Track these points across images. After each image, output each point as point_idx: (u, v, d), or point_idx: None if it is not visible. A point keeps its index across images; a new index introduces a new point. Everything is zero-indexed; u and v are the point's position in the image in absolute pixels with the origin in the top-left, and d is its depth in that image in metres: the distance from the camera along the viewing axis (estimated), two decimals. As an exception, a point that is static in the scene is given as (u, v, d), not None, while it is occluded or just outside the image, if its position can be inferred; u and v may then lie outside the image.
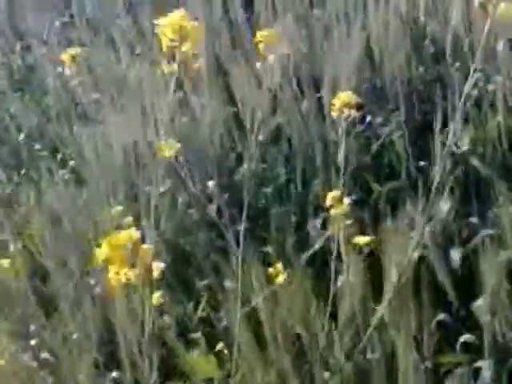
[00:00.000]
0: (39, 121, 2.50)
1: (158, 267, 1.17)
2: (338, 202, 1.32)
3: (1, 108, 2.52)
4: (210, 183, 1.84)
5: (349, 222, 1.34)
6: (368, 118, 2.10)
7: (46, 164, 2.29)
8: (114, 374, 1.59)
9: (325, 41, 2.24)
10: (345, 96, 1.37)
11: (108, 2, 2.80)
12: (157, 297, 1.28)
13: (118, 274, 1.03)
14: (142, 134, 1.90)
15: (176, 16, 1.08)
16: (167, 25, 1.08)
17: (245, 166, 2.00)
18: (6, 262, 1.69)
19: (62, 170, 2.25)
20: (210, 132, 1.99)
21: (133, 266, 1.04)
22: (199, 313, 1.68)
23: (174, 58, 1.18)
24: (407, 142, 2.01)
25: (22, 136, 2.47)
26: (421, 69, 2.18)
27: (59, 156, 2.35)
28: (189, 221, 1.91)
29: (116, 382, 1.58)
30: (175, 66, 1.20)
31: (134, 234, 1.04)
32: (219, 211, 1.89)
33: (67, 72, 2.03)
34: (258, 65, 1.46)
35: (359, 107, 2.13)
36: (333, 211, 1.32)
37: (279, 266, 1.33)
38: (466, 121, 1.97)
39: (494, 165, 1.82)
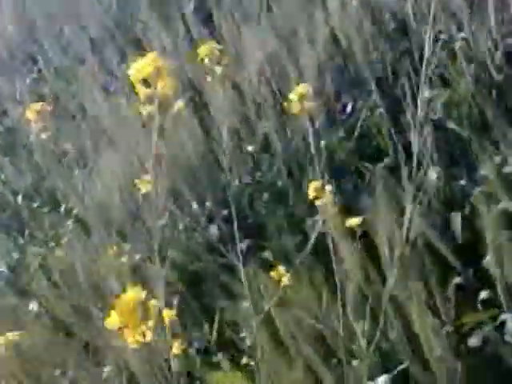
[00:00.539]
0: (33, 179, 2.54)
1: (168, 315, 1.16)
2: (320, 191, 1.32)
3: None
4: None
5: (335, 208, 1.34)
6: (349, 107, 2.13)
7: (49, 220, 2.33)
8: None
9: (290, 39, 2.26)
10: (301, 89, 1.36)
11: (73, 49, 2.84)
12: (177, 345, 1.29)
13: (133, 335, 1.03)
14: (131, 173, 1.93)
15: (147, 60, 1.07)
16: (139, 70, 1.07)
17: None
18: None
19: (67, 222, 2.28)
20: (194, 154, 2.02)
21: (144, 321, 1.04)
22: (215, 332, 1.70)
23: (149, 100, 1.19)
24: (386, 119, 2.03)
25: (19, 198, 2.50)
26: (386, 45, 2.20)
27: (62, 209, 2.38)
28: (193, 245, 1.93)
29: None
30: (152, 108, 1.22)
31: (140, 293, 1.04)
32: (219, 229, 1.93)
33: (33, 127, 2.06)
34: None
35: (336, 97, 2.17)
36: (318, 202, 1.33)
37: (280, 268, 1.34)
38: (441, 84, 1.99)
39: (471, 125, 1.83)
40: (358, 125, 2.11)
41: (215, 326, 1.73)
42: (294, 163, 2.06)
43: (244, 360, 1.53)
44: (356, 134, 2.09)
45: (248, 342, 1.70)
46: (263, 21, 2.43)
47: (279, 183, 2.07)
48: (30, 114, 1.82)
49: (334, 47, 2.25)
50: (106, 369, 1.70)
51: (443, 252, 1.54)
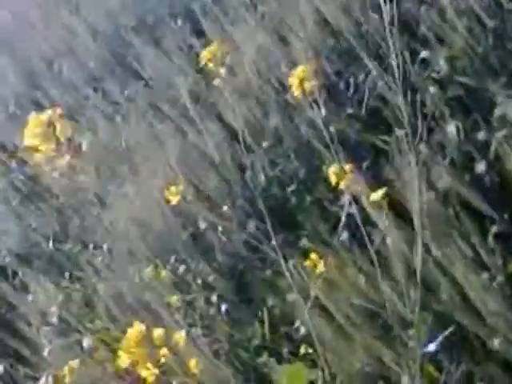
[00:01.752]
0: (59, 222, 2.57)
1: (181, 338, 1.15)
2: (340, 174, 1.33)
3: (21, 225, 2.58)
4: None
5: (360, 186, 1.35)
6: (351, 82, 2.13)
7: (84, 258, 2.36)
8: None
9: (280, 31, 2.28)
10: (299, 72, 1.36)
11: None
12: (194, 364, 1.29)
13: (147, 369, 1.03)
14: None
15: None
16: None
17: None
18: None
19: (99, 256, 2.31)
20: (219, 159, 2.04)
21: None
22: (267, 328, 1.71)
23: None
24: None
25: (50, 243, 2.53)
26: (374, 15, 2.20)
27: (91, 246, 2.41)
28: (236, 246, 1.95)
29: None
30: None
31: (140, 326, 1.04)
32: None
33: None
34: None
35: (337, 73, 2.17)
36: (342, 185, 1.33)
37: (314, 256, 1.35)
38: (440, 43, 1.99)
39: (477, 73, 1.83)
40: (365, 99, 2.11)
41: (266, 323, 1.75)
42: (309, 151, 2.07)
43: (302, 350, 1.54)
44: (364, 109, 2.10)
45: (302, 331, 1.71)
46: (250, 20, 2.45)
47: (301, 173, 2.09)
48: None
49: (323, 29, 2.25)
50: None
51: (475, 203, 1.54)
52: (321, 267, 1.33)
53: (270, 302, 1.79)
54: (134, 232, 2.10)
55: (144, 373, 1.00)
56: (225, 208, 1.96)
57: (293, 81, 1.37)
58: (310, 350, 1.56)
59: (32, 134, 1.07)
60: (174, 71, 2.42)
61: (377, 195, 1.33)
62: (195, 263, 2.02)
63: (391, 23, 1.41)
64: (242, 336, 1.75)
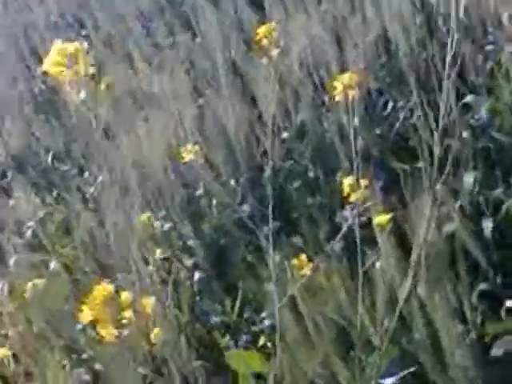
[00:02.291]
0: (65, 141, 2.55)
1: (148, 304, 1.14)
2: (355, 187, 1.32)
3: (27, 131, 2.57)
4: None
5: (369, 204, 1.34)
6: (390, 104, 2.12)
7: (76, 183, 2.35)
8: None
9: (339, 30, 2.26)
10: (345, 78, 1.36)
11: (121, 19, 2.84)
12: (156, 333, 1.28)
13: (107, 330, 1.03)
14: (169, 141, 1.94)
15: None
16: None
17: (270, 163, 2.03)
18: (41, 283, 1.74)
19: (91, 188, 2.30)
20: (234, 133, 2.02)
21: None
22: (236, 309, 1.71)
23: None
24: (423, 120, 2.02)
25: (49, 157, 2.52)
26: (435, 48, 2.19)
27: (86, 174, 2.40)
28: (225, 220, 1.94)
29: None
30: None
31: (108, 287, 1.03)
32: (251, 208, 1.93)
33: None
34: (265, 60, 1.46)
35: (380, 93, 2.16)
36: (353, 197, 1.33)
37: (303, 257, 1.34)
38: (486, 92, 1.98)
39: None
40: (397, 125, 2.11)
41: (237, 304, 1.74)
42: (328, 155, 2.06)
43: (262, 341, 1.54)
44: (393, 133, 2.09)
45: (266, 323, 1.71)
46: (312, 12, 2.43)
47: (310, 173, 2.08)
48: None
49: (382, 43, 2.24)
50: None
51: (475, 254, 1.53)
52: (307, 270, 1.32)
53: (246, 284, 1.78)
54: (132, 174, 2.07)
55: (103, 332, 0.99)
56: (230, 182, 1.95)
57: (337, 84, 1.36)
58: (269, 344, 1.55)
59: (52, 62, 1.05)
60: (224, 35, 2.40)
61: (383, 218, 1.33)
62: (182, 226, 2.00)
63: (452, 65, 1.41)
64: (207, 311, 1.75)
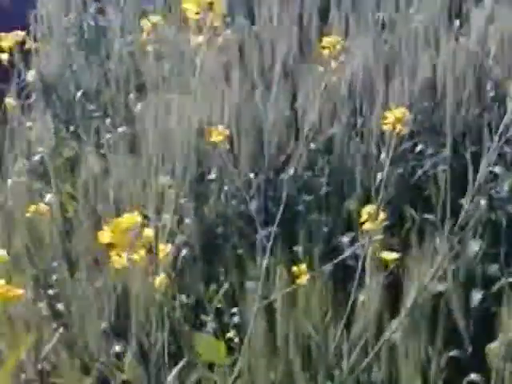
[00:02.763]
0: (98, 83, 2.55)
1: (164, 250, 1.17)
2: (373, 217, 1.33)
3: (64, 63, 2.56)
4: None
5: (380, 237, 1.35)
6: (419, 148, 2.13)
7: (97, 124, 2.35)
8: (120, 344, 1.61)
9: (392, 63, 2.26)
10: (398, 112, 1.38)
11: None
12: (160, 279, 1.30)
13: (120, 256, 1.04)
14: (203, 115, 1.93)
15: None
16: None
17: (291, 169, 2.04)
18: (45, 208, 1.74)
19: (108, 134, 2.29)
20: (268, 129, 2.03)
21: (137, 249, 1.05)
22: (216, 301, 1.71)
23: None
24: (449, 178, 2.03)
25: (78, 94, 2.51)
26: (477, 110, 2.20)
27: (109, 120, 2.40)
28: (229, 211, 1.94)
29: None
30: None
31: (137, 218, 1.05)
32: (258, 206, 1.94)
33: (143, 36, 2.11)
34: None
35: (411, 135, 2.17)
36: (367, 225, 1.34)
37: (303, 266, 1.35)
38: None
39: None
40: (419, 172, 2.12)
41: (212, 290, 1.75)
42: (346, 177, 2.07)
43: (231, 334, 1.54)
44: (413, 179, 2.10)
45: (235, 320, 1.71)
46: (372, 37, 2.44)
47: (323, 190, 2.08)
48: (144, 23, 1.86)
49: (429, 87, 2.24)
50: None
51: (456, 320, 1.54)
52: (304, 279, 1.33)
53: (230, 275, 1.79)
54: (154, 136, 2.06)
55: (117, 257, 1.00)
56: (247, 174, 1.95)
57: (390, 116, 1.38)
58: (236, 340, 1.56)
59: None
60: (284, 31, 2.40)
61: (390, 255, 1.34)
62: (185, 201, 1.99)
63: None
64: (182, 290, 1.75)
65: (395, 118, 1.38)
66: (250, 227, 1.90)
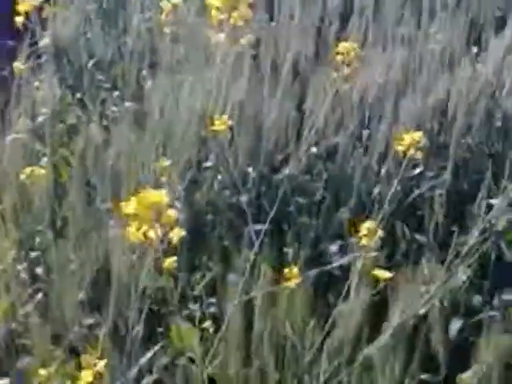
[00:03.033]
0: (112, 54, 2.53)
1: (178, 234, 1.18)
2: (371, 232, 1.33)
3: (80, 30, 2.54)
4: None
5: (374, 254, 1.35)
6: (419, 169, 2.12)
7: (103, 96, 2.33)
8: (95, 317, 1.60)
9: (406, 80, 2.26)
10: (415, 136, 1.38)
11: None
12: (170, 261, 1.30)
13: (138, 230, 1.05)
14: (210, 103, 1.92)
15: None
16: None
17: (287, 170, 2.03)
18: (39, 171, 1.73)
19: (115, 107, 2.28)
20: (268, 126, 2.02)
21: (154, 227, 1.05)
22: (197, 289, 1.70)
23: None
24: (444, 203, 2.02)
25: (90, 62, 2.49)
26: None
27: (117, 93, 2.38)
28: (221, 201, 1.93)
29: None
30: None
31: (164, 196, 1.06)
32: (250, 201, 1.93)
33: (162, 17, 2.10)
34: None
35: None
36: (364, 240, 1.34)
37: (295, 269, 1.34)
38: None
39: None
40: (416, 192, 2.11)
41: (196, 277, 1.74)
42: (343, 187, 2.06)
43: (206, 324, 1.53)
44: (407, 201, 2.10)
45: (211, 309, 1.70)
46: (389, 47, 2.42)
47: (318, 196, 2.07)
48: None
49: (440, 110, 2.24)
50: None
51: (434, 346, 1.54)
52: (293, 282, 1.32)
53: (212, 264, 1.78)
54: (157, 116, 2.04)
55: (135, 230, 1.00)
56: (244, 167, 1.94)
57: (407, 138, 1.39)
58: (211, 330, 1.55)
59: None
60: (300, 30, 2.39)
61: (383, 273, 1.33)
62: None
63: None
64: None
65: (411, 140, 1.39)
66: (239, 220, 1.89)
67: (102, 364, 1.16)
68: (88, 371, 1.16)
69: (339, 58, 1.75)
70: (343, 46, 1.71)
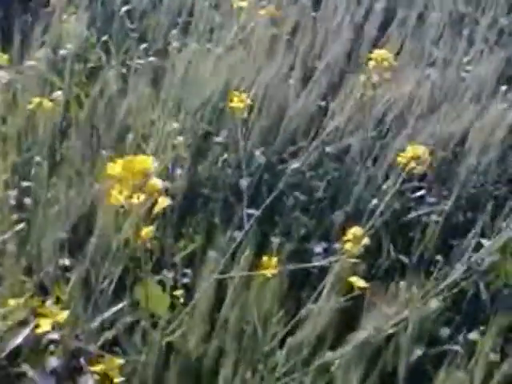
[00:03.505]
0: (146, 5, 2.51)
1: (162, 203, 1.15)
2: (357, 239, 1.33)
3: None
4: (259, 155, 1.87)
5: (355, 261, 1.35)
6: (422, 191, 2.12)
7: (129, 44, 2.32)
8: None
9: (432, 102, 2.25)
10: (419, 149, 1.38)
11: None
12: (148, 231, 1.28)
13: (119, 194, 1.04)
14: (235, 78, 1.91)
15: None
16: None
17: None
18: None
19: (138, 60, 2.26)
20: (290, 115, 2.01)
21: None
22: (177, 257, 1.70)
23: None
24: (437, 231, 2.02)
25: (123, 9, 2.48)
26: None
27: (143, 46, 2.37)
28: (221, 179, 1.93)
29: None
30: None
31: (151, 163, 1.04)
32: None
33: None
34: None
35: (422, 177, 2.16)
36: (348, 245, 1.34)
37: (275, 260, 1.34)
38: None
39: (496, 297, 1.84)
40: (412, 214, 2.11)
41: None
42: (342, 192, 2.06)
43: (178, 292, 1.53)
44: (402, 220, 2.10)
45: (184, 280, 1.70)
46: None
47: (318, 193, 2.07)
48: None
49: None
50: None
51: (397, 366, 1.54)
52: (271, 271, 1.32)
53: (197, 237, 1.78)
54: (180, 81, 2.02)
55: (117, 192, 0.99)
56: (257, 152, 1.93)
57: (409, 150, 1.38)
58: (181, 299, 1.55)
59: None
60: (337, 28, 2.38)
61: (357, 281, 1.33)
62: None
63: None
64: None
65: (413, 154, 1.38)
66: (234, 201, 1.89)
67: (63, 315, 1.16)
68: (47, 320, 1.15)
69: (372, 64, 1.74)
70: (378, 53, 1.71)
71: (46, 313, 1.16)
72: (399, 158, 1.46)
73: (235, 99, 1.72)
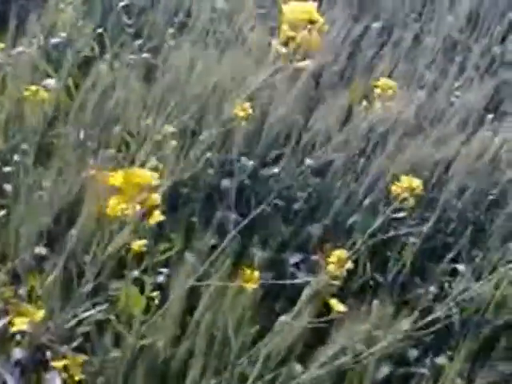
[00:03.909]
0: (145, 1, 2.51)
1: (156, 218, 1.16)
2: (340, 261, 1.34)
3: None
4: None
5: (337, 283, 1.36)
6: (402, 213, 2.13)
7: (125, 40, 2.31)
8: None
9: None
10: (413, 182, 1.40)
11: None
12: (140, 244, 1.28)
13: (117, 204, 1.04)
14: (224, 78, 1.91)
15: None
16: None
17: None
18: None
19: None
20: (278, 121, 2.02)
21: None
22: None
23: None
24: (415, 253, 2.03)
25: (121, 3, 2.47)
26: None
27: (138, 42, 2.36)
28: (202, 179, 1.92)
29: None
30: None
31: (151, 178, 1.05)
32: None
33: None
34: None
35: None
36: (332, 267, 1.35)
37: (256, 273, 1.34)
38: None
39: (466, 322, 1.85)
40: (391, 233, 2.12)
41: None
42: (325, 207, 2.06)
43: (154, 293, 1.53)
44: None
45: (159, 279, 1.69)
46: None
47: (297, 205, 2.07)
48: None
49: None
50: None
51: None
52: (251, 285, 1.32)
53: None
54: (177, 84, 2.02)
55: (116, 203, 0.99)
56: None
57: (404, 181, 1.40)
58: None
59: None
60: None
61: (336, 304, 1.34)
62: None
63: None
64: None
65: (408, 185, 1.41)
66: (213, 202, 1.89)
67: (40, 314, 1.16)
68: (23, 319, 1.15)
69: (377, 92, 1.76)
70: (383, 82, 1.73)
71: (23, 311, 1.16)
72: (394, 187, 1.48)
73: (237, 107, 1.73)
